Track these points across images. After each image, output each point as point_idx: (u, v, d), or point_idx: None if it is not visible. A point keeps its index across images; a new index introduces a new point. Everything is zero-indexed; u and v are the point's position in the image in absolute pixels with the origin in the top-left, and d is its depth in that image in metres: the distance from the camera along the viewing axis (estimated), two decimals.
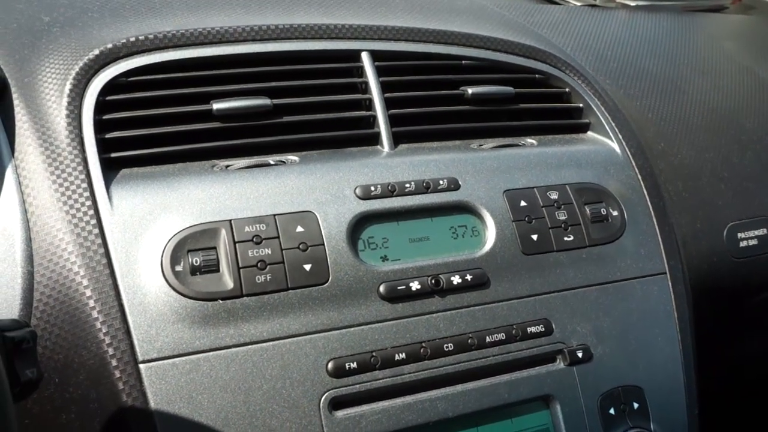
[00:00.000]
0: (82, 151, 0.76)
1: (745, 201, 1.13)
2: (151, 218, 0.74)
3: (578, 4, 1.47)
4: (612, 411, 0.84)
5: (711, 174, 1.12)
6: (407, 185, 0.83)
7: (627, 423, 0.85)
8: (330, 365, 0.75)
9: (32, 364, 0.56)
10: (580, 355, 0.84)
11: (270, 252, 0.75)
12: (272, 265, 0.75)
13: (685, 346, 0.91)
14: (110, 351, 0.69)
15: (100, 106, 0.80)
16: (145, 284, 0.72)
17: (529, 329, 0.83)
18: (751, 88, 1.30)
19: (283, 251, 0.76)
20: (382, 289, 0.78)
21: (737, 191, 1.13)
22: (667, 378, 0.89)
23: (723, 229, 1.09)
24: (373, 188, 0.82)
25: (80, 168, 0.75)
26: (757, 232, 1.11)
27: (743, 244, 1.10)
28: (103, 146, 0.78)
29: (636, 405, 0.86)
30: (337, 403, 0.75)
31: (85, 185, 0.74)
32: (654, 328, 0.89)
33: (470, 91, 0.95)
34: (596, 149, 0.98)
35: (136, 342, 0.70)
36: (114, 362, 0.69)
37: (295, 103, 0.87)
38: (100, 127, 0.79)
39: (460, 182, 0.86)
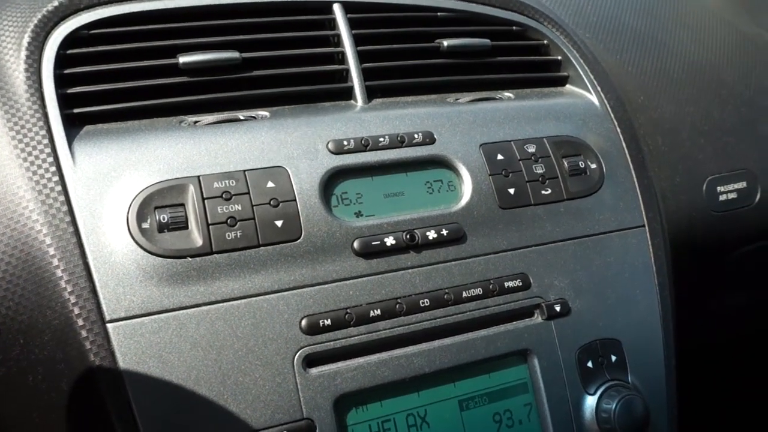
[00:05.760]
0: (43, 106, 0.73)
1: (725, 155, 1.12)
2: (116, 175, 0.72)
3: None
4: (590, 364, 0.84)
5: (691, 128, 1.11)
6: (381, 139, 0.81)
7: (605, 375, 0.85)
8: (304, 322, 0.74)
9: None
10: (557, 309, 0.83)
11: (240, 208, 0.73)
12: (242, 221, 0.73)
13: (663, 299, 0.90)
14: (76, 310, 0.68)
15: (61, 60, 0.77)
16: (111, 242, 0.70)
17: (506, 284, 0.82)
18: (732, 42, 1.28)
19: (254, 207, 0.74)
20: (356, 244, 0.77)
21: (717, 145, 1.12)
22: (645, 331, 0.89)
23: (702, 182, 1.08)
24: (346, 143, 0.80)
25: (40, 124, 0.72)
26: (736, 186, 1.11)
27: (722, 197, 1.10)
28: (65, 101, 0.75)
29: (614, 358, 0.86)
30: (311, 361, 0.74)
31: (46, 141, 0.72)
32: (632, 281, 0.89)
33: (446, 43, 0.93)
34: (575, 102, 0.96)
35: (102, 301, 0.68)
36: (80, 322, 0.67)
37: (265, 57, 0.84)
38: (61, 81, 0.76)
39: (435, 136, 0.84)
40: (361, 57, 0.88)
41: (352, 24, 0.89)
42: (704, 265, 1.11)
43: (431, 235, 0.80)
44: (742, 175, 1.12)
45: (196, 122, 0.79)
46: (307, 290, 0.75)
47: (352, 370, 0.75)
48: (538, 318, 0.83)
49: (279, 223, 0.74)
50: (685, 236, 1.04)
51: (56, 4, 0.78)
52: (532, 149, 0.87)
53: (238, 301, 0.72)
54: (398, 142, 0.82)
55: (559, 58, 1.01)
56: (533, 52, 1.01)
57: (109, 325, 0.68)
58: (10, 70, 0.74)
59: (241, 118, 0.81)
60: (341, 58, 0.88)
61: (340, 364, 0.75)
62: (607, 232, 0.89)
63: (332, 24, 0.89)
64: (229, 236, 0.72)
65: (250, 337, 0.72)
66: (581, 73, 0.99)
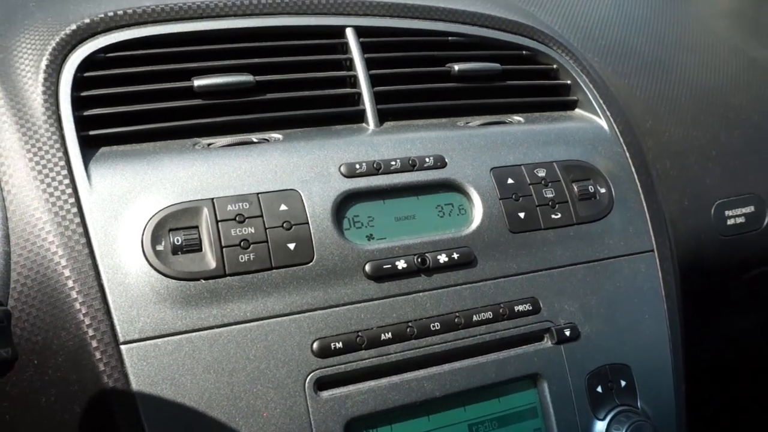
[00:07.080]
0: (60, 128, 0.74)
1: (733, 179, 1.12)
2: (131, 197, 0.73)
3: None
4: (599, 389, 0.84)
5: (699, 152, 1.11)
6: (393, 163, 0.82)
7: (614, 401, 0.85)
8: (315, 345, 0.74)
9: (7, 344, 0.55)
10: (567, 333, 0.83)
11: (253, 231, 0.74)
12: (255, 244, 0.74)
13: (672, 324, 0.90)
14: (90, 332, 0.68)
15: (78, 83, 0.78)
16: (126, 264, 0.70)
17: (516, 308, 0.82)
18: (739, 66, 1.29)
19: (267, 230, 0.74)
20: (367, 268, 0.77)
21: (725, 169, 1.12)
22: (654, 355, 0.89)
23: (710, 206, 1.09)
24: (358, 166, 0.80)
25: (57, 146, 0.73)
26: (744, 210, 1.11)
27: (730, 222, 1.10)
28: (81, 123, 0.76)
29: (623, 383, 0.86)
30: (322, 384, 0.74)
31: (62, 163, 0.73)
32: (641, 305, 0.89)
33: (457, 67, 0.93)
34: (584, 126, 0.97)
35: (116, 323, 0.69)
36: (94, 343, 0.68)
37: (278, 80, 0.85)
38: (78, 104, 0.77)
39: (446, 160, 0.84)
40: (373, 80, 0.88)
41: (365, 48, 0.90)
42: (712, 288, 1.12)
43: (442, 258, 0.80)
44: (750, 200, 1.12)
45: (209, 145, 0.80)
46: (319, 313, 0.75)
47: (363, 394, 0.75)
48: (547, 342, 0.83)
49: (292, 246, 0.75)
50: (694, 260, 1.04)
51: (74, 27, 0.79)
52: (542, 173, 0.88)
53: (251, 324, 0.72)
54: (410, 165, 0.83)
55: (569, 82, 1.01)
56: (543, 76, 1.02)
57: (122, 347, 0.69)
58: (28, 93, 0.75)
59: (255, 140, 0.81)
60: (353, 82, 0.89)
61: (351, 388, 0.75)
62: (617, 257, 0.89)
63: (345, 48, 0.90)
64: (242, 259, 0.73)
65: (261, 359, 0.72)
66: (590, 97, 1.00)
